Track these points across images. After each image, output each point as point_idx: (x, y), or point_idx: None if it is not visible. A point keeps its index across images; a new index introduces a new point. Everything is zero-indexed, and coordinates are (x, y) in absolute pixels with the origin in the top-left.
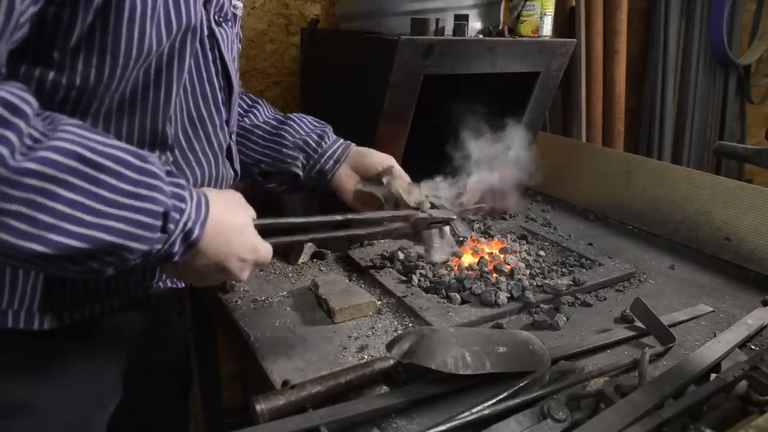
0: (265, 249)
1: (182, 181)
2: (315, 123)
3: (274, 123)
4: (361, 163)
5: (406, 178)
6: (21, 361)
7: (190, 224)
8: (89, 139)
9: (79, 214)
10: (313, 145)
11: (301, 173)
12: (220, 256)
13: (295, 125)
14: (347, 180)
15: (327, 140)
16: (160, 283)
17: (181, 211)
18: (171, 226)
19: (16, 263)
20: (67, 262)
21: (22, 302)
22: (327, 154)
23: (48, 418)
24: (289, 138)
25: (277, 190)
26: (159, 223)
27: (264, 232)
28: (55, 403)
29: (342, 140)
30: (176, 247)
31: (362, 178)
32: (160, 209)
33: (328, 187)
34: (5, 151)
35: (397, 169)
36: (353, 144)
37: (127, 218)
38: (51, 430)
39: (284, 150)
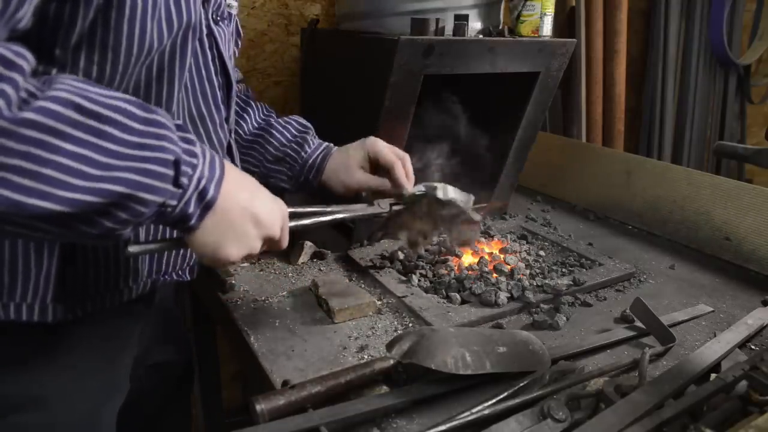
0: (281, 201)
1: (193, 137)
2: (295, 131)
3: (257, 132)
4: (342, 161)
5: (398, 167)
6: (32, 354)
7: (204, 182)
8: (90, 91)
9: (84, 168)
10: (293, 155)
11: (287, 186)
12: (246, 203)
13: (276, 135)
14: (333, 185)
15: (308, 148)
16: (166, 276)
17: (194, 167)
18: (184, 180)
19: (27, 232)
20: (79, 223)
21: (35, 294)
22: (308, 164)
23: (59, 410)
24: (271, 151)
25: None
26: (171, 172)
27: None
28: (66, 395)
29: (322, 145)
30: (191, 207)
31: (349, 175)
32: (171, 157)
33: (319, 188)
34: (1, 103)
35: (389, 156)
36: (333, 147)
37: (136, 168)
38: (62, 422)
39: (266, 164)
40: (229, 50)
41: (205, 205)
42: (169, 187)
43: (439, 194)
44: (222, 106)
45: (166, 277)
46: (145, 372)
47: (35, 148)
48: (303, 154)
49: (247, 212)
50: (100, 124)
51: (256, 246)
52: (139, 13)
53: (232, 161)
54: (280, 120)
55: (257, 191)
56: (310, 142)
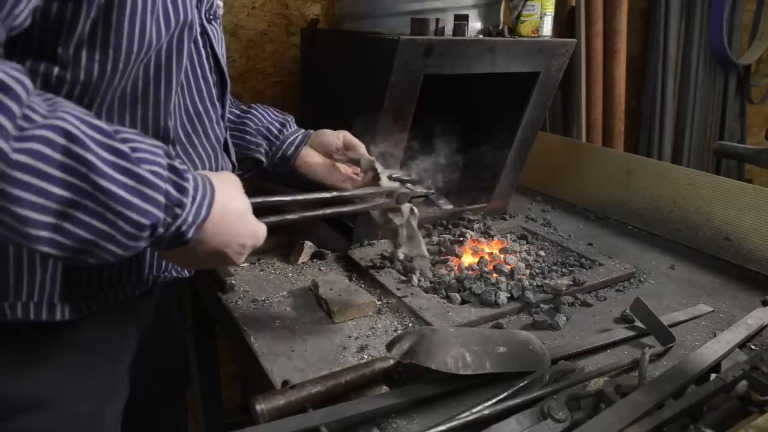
0: (262, 231)
1: (186, 183)
2: (276, 113)
3: (237, 113)
4: (319, 141)
5: (362, 147)
6: (35, 355)
7: (184, 227)
8: (85, 134)
9: (70, 211)
10: (275, 132)
11: (264, 159)
12: (220, 245)
13: (257, 114)
14: (312, 157)
15: (288, 128)
16: (166, 273)
17: (176, 216)
18: (161, 230)
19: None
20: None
21: (42, 293)
22: (288, 140)
23: (61, 412)
24: (252, 126)
25: (244, 177)
26: (147, 233)
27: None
28: (68, 396)
29: (302, 129)
30: (164, 244)
31: (325, 155)
32: (148, 222)
33: (295, 171)
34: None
35: (354, 140)
36: (312, 131)
37: (116, 225)
38: (64, 423)
39: (247, 137)
40: (222, 48)
41: (180, 242)
42: (141, 243)
43: (440, 202)
44: (217, 103)
45: (167, 273)
46: (141, 372)
47: (22, 191)
48: (285, 131)
49: (218, 252)
50: (88, 171)
51: (240, 261)
52: (139, 11)
53: (229, 156)
54: (258, 105)
55: (238, 226)
56: (290, 125)
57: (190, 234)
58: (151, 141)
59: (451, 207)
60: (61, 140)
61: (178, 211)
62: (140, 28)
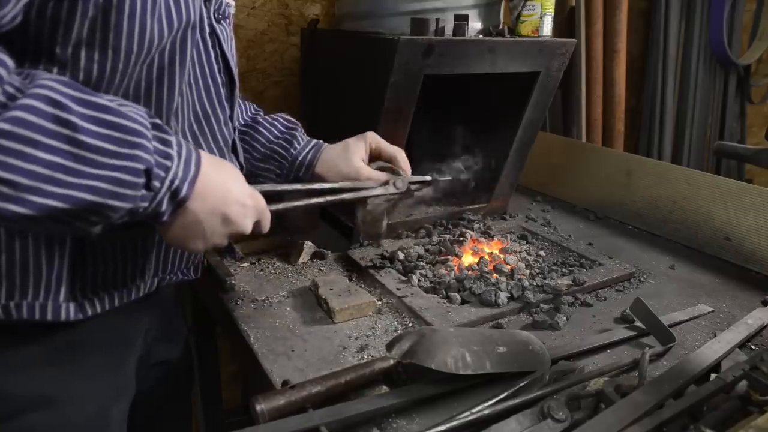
0: (260, 197)
1: (170, 137)
2: (282, 127)
3: (243, 130)
4: (330, 164)
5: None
6: (43, 354)
7: (177, 182)
8: (67, 95)
9: (56, 175)
10: (282, 152)
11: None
12: (218, 203)
13: (263, 132)
14: (333, 169)
15: (297, 144)
16: (171, 275)
17: (167, 169)
18: (156, 183)
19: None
20: (51, 222)
21: (47, 294)
22: (298, 161)
23: (69, 411)
24: (258, 148)
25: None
26: (142, 180)
27: None
28: (76, 396)
29: (311, 142)
30: (164, 206)
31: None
32: (142, 167)
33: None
34: None
35: (388, 150)
36: (324, 144)
37: (108, 177)
38: (72, 423)
39: (254, 162)
40: (231, 48)
41: (178, 203)
42: (140, 193)
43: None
44: (226, 104)
45: (172, 275)
46: (146, 372)
47: (8, 157)
48: (292, 150)
49: (217, 212)
50: (74, 133)
51: (223, 242)
52: (138, 11)
53: (237, 158)
54: (266, 117)
55: (232, 187)
56: (299, 139)
57: (184, 189)
58: (131, 103)
59: (449, 179)
60: (46, 108)
61: (167, 163)
62: (140, 28)
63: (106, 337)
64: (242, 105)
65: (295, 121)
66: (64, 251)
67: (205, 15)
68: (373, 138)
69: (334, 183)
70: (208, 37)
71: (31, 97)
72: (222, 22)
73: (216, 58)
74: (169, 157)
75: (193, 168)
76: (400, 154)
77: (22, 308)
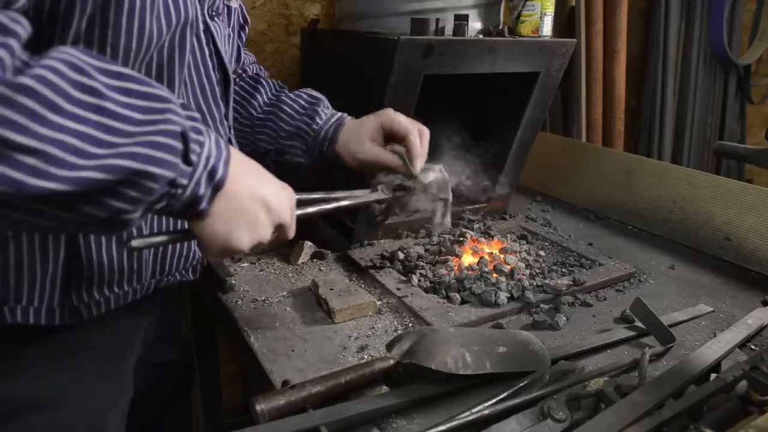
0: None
1: (196, 115)
2: (305, 103)
3: (269, 109)
4: (348, 151)
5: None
6: (39, 356)
7: (213, 161)
8: (88, 63)
9: (86, 147)
10: (305, 128)
11: (303, 160)
12: (256, 187)
13: (286, 110)
14: (346, 149)
15: (319, 120)
16: (170, 276)
17: (201, 144)
18: (193, 157)
19: (31, 217)
20: (84, 204)
21: (42, 297)
22: (320, 136)
23: (67, 412)
24: (283, 126)
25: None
26: (180, 145)
27: None
28: (74, 397)
29: (335, 115)
30: (202, 188)
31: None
32: (178, 129)
33: (333, 161)
34: None
35: (399, 125)
36: (347, 117)
37: (144, 141)
38: (71, 424)
39: (280, 141)
40: (225, 46)
41: (215, 185)
42: (179, 161)
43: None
44: (221, 102)
45: (170, 277)
46: (147, 372)
47: (33, 122)
48: (314, 126)
49: (256, 196)
50: (99, 100)
51: (267, 234)
52: (137, 7)
53: None
54: (290, 94)
55: (264, 175)
56: (321, 114)
57: (220, 169)
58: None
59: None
60: (69, 72)
61: (201, 138)
62: (139, 25)
63: (105, 338)
64: (267, 83)
65: (319, 95)
66: (58, 254)
67: (199, 12)
68: (386, 117)
69: (349, 163)
70: (202, 35)
71: (53, 60)
72: (216, 18)
73: (210, 55)
74: (200, 132)
75: (224, 150)
76: (412, 134)
77: (17, 312)
